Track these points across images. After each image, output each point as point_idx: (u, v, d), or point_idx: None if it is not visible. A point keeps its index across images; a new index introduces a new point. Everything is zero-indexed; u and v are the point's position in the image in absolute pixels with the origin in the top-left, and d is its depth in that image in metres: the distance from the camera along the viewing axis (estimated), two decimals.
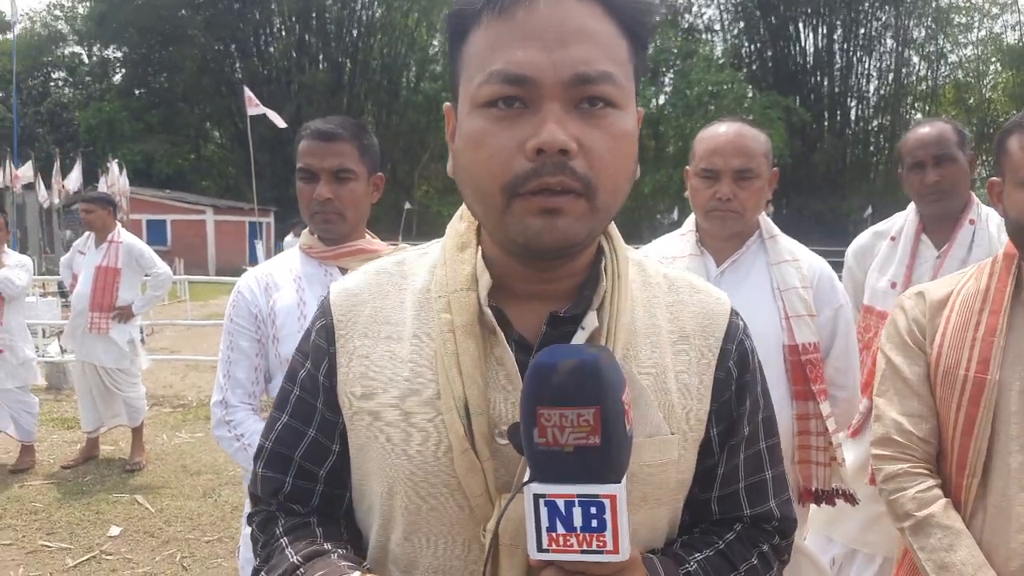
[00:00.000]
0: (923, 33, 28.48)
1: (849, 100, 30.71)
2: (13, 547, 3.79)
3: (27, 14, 34.46)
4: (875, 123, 29.43)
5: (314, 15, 31.80)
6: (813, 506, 1.89)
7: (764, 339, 1.77)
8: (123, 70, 35.59)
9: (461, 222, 0.87)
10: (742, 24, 31.60)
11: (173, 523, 4.11)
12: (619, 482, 0.66)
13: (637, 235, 30.92)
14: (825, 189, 27.38)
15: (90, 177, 16.48)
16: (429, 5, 31.35)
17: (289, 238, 12.05)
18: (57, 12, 35.83)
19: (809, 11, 29.96)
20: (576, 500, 0.65)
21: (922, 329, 1.39)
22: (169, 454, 5.32)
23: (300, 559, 0.81)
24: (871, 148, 28.77)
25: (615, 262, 0.83)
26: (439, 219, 33.92)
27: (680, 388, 0.83)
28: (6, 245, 4.88)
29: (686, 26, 31.51)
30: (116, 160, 14.89)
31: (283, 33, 33.41)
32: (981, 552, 1.25)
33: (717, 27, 33.10)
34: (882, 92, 29.63)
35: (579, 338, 0.78)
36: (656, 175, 27.72)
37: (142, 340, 6.41)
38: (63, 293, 11.11)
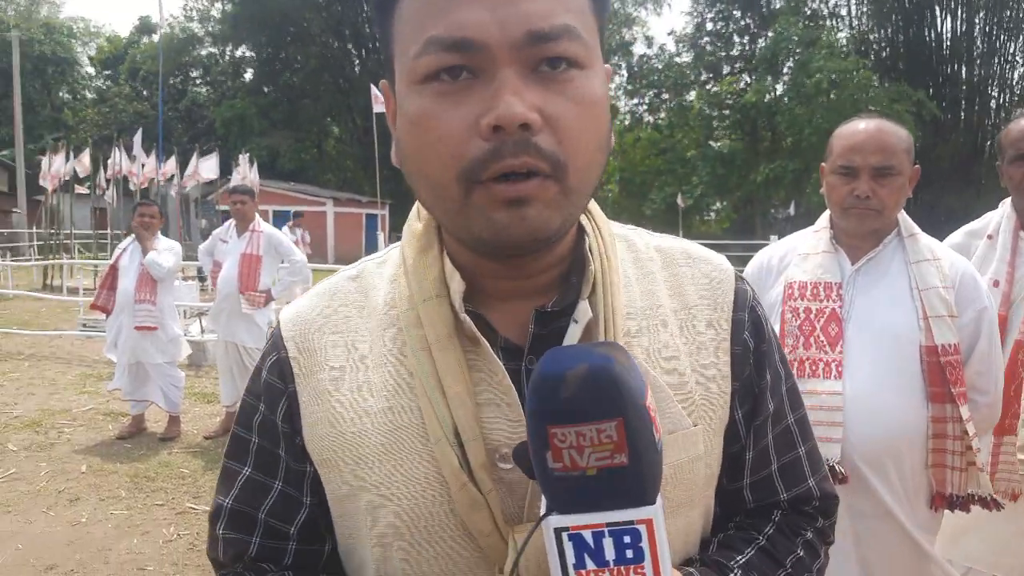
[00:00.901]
0: None
1: (990, 88, 28.44)
2: (165, 507, 4.18)
3: (169, 18, 37.22)
4: (1019, 111, 27.06)
5: None
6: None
7: (901, 339, 1.74)
8: (253, 69, 37.88)
9: (418, 221, 0.75)
10: (870, 8, 29.82)
11: None
12: (654, 502, 0.55)
13: (750, 229, 29.97)
14: (959, 183, 25.52)
15: (223, 170, 17.70)
16: None
17: (284, 230, 12.57)
18: (193, 15, 38.48)
19: None
20: (606, 530, 0.55)
21: None
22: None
23: None
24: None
25: (600, 240, 0.72)
26: None
27: (696, 371, 0.73)
28: (159, 232, 5.37)
29: (809, 12, 30.08)
30: (247, 154, 15.89)
31: None
32: None
33: (844, 12, 31.49)
34: None
35: (573, 333, 0.67)
36: (771, 166, 26.71)
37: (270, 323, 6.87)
38: (201, 278, 12.01)
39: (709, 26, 32.92)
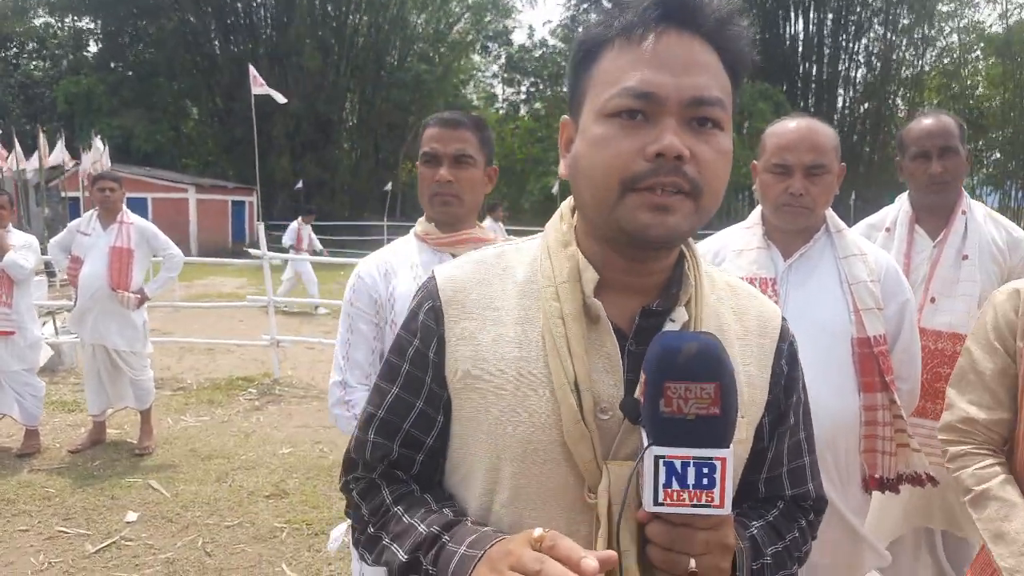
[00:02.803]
0: (912, 19, 28.68)
1: (837, 87, 30.92)
2: (30, 533, 3.76)
3: None
4: (862, 109, 29.69)
5: None
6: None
7: (832, 331, 1.81)
8: (97, 42, 34.71)
9: (562, 223, 0.96)
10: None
11: (190, 508, 4.09)
12: (728, 447, 0.76)
13: None
14: None
15: (71, 154, 16.13)
16: None
17: (294, 225, 11.87)
18: None
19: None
20: (692, 461, 0.75)
21: (1011, 326, 1.43)
22: (177, 438, 5.28)
23: (437, 528, 0.88)
24: (855, 137, 29.04)
25: (695, 266, 0.94)
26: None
27: (746, 378, 0.94)
28: (10, 224, 4.79)
29: None
30: (99, 136, 14.53)
31: (263, 9, 32.76)
32: None
33: None
34: (869, 79, 29.85)
35: (670, 328, 0.89)
36: None
37: None
38: (50, 273, 10.91)
39: (583, 18, 33.63)
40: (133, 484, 4.40)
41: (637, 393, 0.83)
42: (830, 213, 1.91)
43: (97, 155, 13.27)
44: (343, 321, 1.91)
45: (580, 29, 0.91)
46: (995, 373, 1.44)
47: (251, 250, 7.85)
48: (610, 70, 0.84)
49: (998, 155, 29.10)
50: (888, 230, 2.32)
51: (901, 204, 2.34)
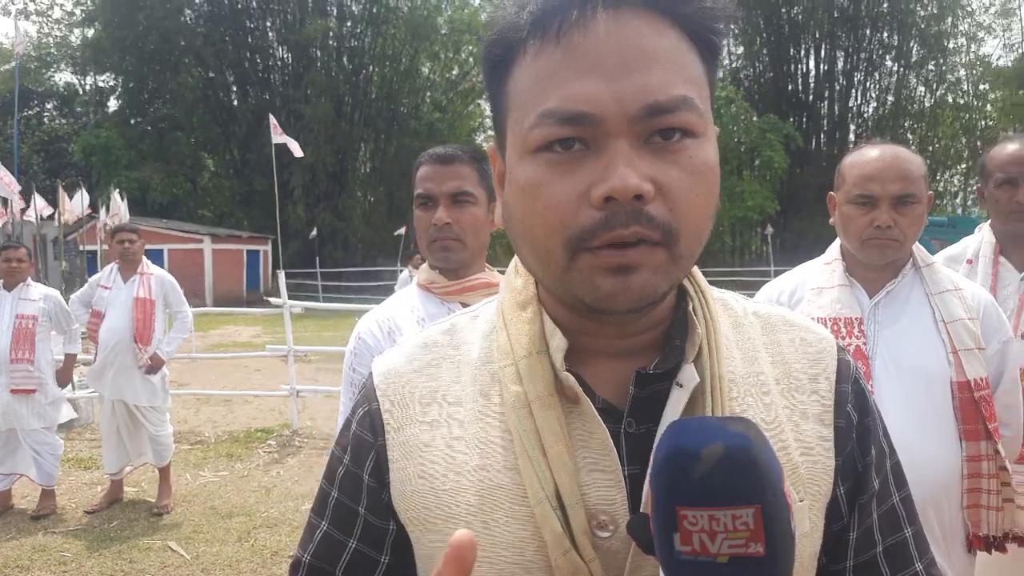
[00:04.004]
0: (923, 53, 28.91)
1: (848, 121, 31.03)
2: None
3: (25, 40, 34.40)
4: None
5: (313, 48, 31.91)
6: (980, 558, 1.74)
7: (929, 375, 1.64)
8: (117, 99, 35.47)
9: (517, 277, 0.74)
10: (742, 43, 31.96)
11: (211, 571, 3.89)
12: None
13: None
14: (825, 211, 27.49)
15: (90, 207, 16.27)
16: (420, 32, 31.49)
17: (404, 274, 11.53)
18: (49, 40, 35.73)
19: (817, 35, 30.37)
20: None
21: None
22: (196, 495, 5.10)
23: None
24: None
25: (704, 304, 0.70)
26: None
27: (801, 444, 0.69)
28: (30, 277, 4.71)
29: None
30: (117, 189, 14.67)
31: (279, 63, 33.48)
32: None
33: None
34: (881, 112, 29.93)
35: (678, 398, 0.64)
36: None
37: None
38: None
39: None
40: (152, 546, 4.21)
41: (644, 504, 0.59)
42: (918, 246, 1.75)
43: (116, 208, 13.34)
44: (345, 390, 1.68)
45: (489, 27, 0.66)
46: None
47: (271, 299, 7.75)
48: (525, 85, 0.61)
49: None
50: (970, 262, 2.16)
51: (983, 234, 2.18)
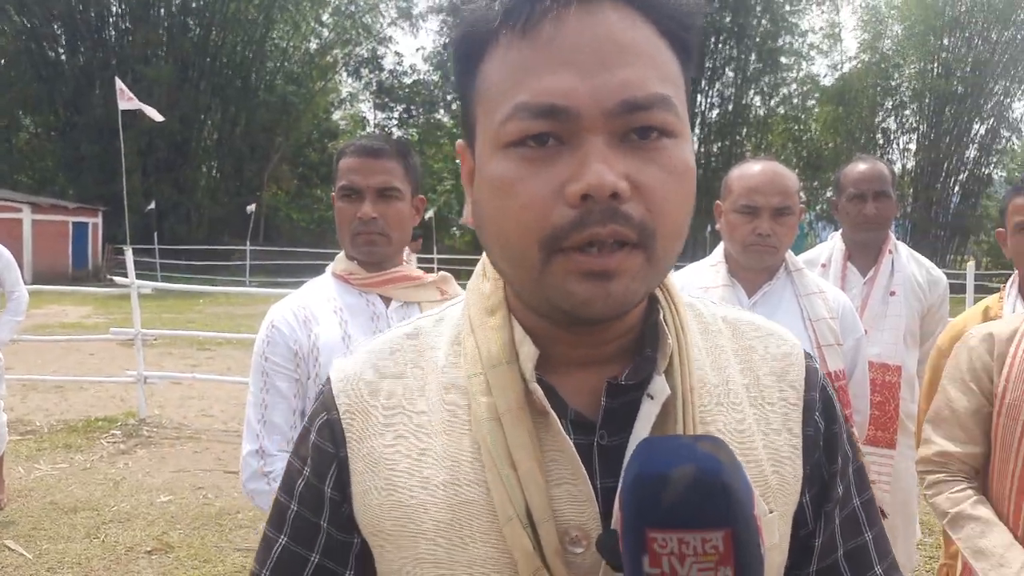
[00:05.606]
0: (759, 67, 31.30)
1: (695, 126, 33.07)
2: None
3: None
4: (715, 147, 31.85)
5: (154, 8, 29.45)
6: None
7: None
8: None
9: (485, 281, 0.71)
10: None
11: (58, 570, 3.62)
12: None
13: None
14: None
15: None
16: (278, 3, 30.02)
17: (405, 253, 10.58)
18: None
19: None
20: None
21: (987, 368, 1.53)
22: (32, 489, 4.68)
23: None
24: (709, 172, 31.24)
25: (674, 313, 0.68)
26: (288, 223, 32.54)
27: (770, 454, 0.69)
28: None
29: None
30: None
31: (115, 19, 30.58)
32: (1010, 535, 1.43)
33: None
34: (722, 121, 32.15)
35: (649, 411, 0.64)
36: None
37: None
38: None
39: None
40: None
41: (615, 521, 0.58)
42: (789, 253, 1.98)
43: None
44: (255, 379, 1.65)
45: (456, 20, 0.65)
46: (969, 411, 1.55)
47: (115, 278, 7.17)
48: (497, 78, 0.60)
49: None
50: (824, 266, 2.45)
51: (835, 242, 2.48)
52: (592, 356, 0.67)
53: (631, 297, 0.59)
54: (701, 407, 0.67)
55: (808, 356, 0.76)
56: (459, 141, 0.69)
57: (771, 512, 0.67)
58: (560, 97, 0.56)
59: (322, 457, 0.70)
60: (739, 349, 0.73)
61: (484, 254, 0.70)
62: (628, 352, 0.67)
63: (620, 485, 0.54)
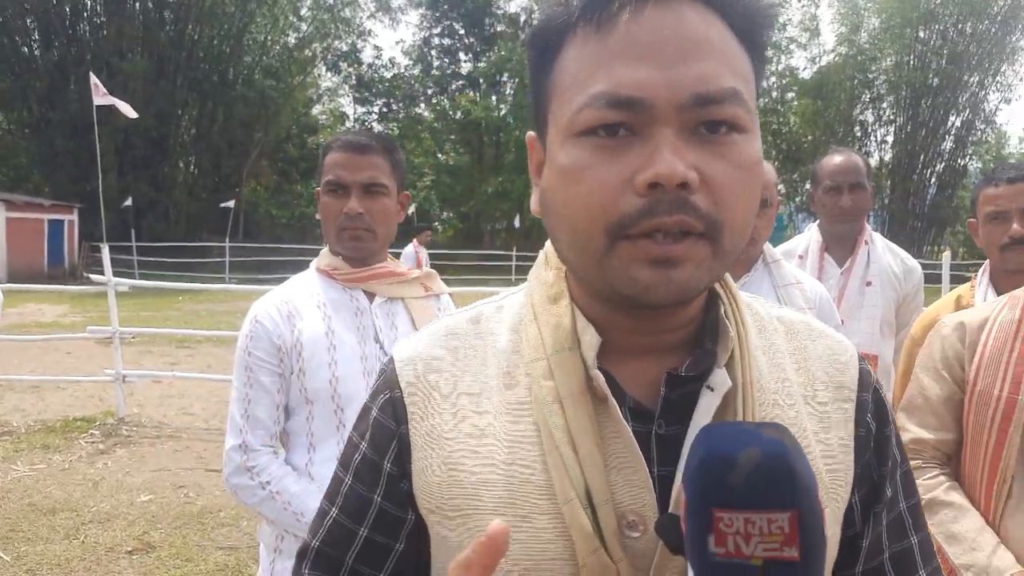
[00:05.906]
0: None
1: None
2: None
3: None
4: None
5: (131, 1, 29.00)
6: None
7: None
8: None
9: (548, 269, 0.73)
10: None
11: (37, 571, 3.58)
12: None
13: (477, 239, 31.44)
14: None
15: None
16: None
17: (409, 248, 10.40)
18: None
19: None
20: None
21: (959, 356, 1.55)
22: (10, 491, 4.62)
23: None
24: None
25: (735, 308, 0.70)
26: (268, 219, 32.27)
27: (824, 452, 0.70)
28: None
29: (523, 38, 32.48)
30: None
31: (89, 12, 30.08)
32: (982, 520, 1.45)
33: None
34: None
35: (709, 402, 0.65)
36: (499, 179, 28.39)
37: None
38: None
39: (436, 41, 33.97)
40: None
41: (674, 505, 0.62)
42: (767, 245, 1.99)
43: None
44: (239, 374, 1.65)
45: (535, 16, 0.72)
46: (941, 399, 1.57)
47: (92, 276, 7.08)
48: (574, 70, 0.62)
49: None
50: (801, 257, 2.48)
51: (812, 233, 2.51)
52: (651, 346, 0.68)
53: (694, 284, 0.60)
54: (759, 402, 0.68)
55: (861, 359, 0.77)
56: (529, 133, 0.72)
57: (824, 508, 0.67)
58: (636, 89, 0.58)
59: (383, 432, 0.72)
60: (793, 349, 0.75)
61: (547, 243, 0.73)
62: (686, 345, 0.69)
63: (683, 469, 0.55)
